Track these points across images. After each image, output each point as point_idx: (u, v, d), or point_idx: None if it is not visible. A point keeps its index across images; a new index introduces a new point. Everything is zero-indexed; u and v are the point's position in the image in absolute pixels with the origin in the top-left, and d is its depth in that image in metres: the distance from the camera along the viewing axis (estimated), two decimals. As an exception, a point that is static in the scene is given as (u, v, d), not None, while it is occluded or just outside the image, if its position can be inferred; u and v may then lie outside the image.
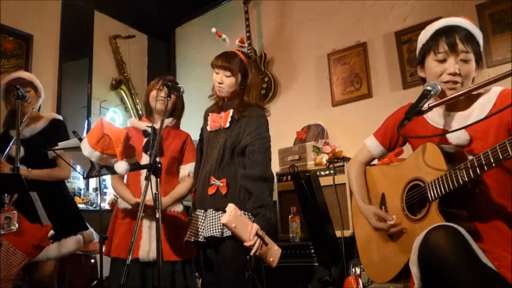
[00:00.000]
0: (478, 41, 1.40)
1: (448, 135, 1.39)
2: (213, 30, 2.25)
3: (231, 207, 1.80)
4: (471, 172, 1.20)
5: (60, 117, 2.62)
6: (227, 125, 2.02)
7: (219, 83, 2.05)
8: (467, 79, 1.38)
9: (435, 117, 1.48)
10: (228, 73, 2.04)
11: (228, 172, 1.98)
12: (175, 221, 2.22)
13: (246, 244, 1.80)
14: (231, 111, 2.03)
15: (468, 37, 1.37)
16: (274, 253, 1.90)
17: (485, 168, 1.17)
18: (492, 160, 1.15)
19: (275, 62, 4.05)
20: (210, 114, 2.12)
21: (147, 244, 2.10)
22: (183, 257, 2.18)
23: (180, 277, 2.16)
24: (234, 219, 1.77)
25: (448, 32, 1.39)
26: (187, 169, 2.29)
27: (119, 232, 2.19)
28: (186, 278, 2.18)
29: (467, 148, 1.36)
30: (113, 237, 2.20)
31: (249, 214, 1.89)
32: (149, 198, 2.12)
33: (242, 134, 1.98)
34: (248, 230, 1.80)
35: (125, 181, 2.33)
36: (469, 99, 1.42)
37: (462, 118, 1.40)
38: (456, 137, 1.37)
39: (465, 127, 1.31)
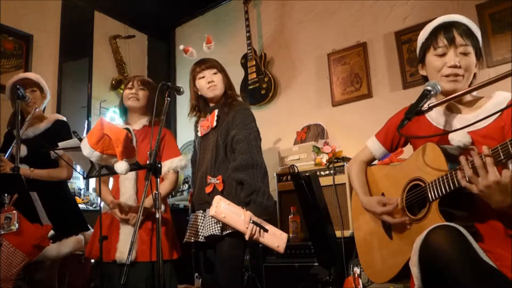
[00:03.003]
0: (476, 36, 1.42)
1: (450, 138, 1.38)
2: (181, 47, 2.36)
3: (217, 198, 1.80)
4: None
5: (64, 118, 2.64)
6: (214, 124, 2.05)
7: (211, 82, 2.10)
8: (468, 72, 1.39)
9: (438, 119, 1.48)
10: (214, 70, 2.13)
11: (223, 169, 1.99)
12: (153, 220, 2.15)
13: (243, 233, 1.79)
14: (216, 111, 2.08)
15: (467, 31, 1.40)
16: (278, 238, 1.85)
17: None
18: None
19: (275, 62, 4.05)
20: (199, 122, 2.17)
21: (124, 245, 2.04)
22: (164, 258, 2.10)
23: (158, 277, 2.13)
24: (222, 210, 1.76)
25: (446, 27, 1.42)
26: (166, 165, 2.22)
27: (98, 235, 2.15)
28: (164, 279, 2.11)
29: (469, 152, 1.35)
30: (93, 239, 2.17)
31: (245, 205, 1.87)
32: (128, 197, 2.13)
33: (231, 128, 2.00)
34: (241, 219, 1.79)
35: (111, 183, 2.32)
36: (475, 102, 1.42)
37: (467, 121, 1.38)
38: (458, 140, 1.36)
39: (466, 127, 1.30)
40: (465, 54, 1.38)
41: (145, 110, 2.33)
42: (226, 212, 1.77)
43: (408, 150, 1.79)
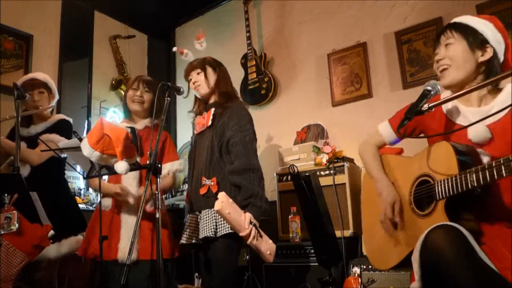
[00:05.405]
0: (471, 27, 1.44)
1: (468, 132, 1.38)
2: (174, 49, 2.43)
3: (222, 194, 1.78)
4: (481, 178, 1.18)
5: (69, 119, 2.63)
6: (210, 123, 2.05)
7: (195, 83, 2.15)
8: (455, 61, 1.42)
9: (453, 112, 1.48)
10: (198, 70, 2.16)
11: (218, 171, 1.98)
12: (154, 219, 2.19)
13: (242, 233, 1.78)
14: (212, 109, 2.09)
15: (454, 26, 1.46)
16: (270, 246, 1.87)
17: (496, 177, 1.14)
18: (503, 172, 1.12)
19: (275, 62, 4.05)
20: (196, 119, 2.20)
21: (125, 245, 2.03)
22: (163, 256, 2.13)
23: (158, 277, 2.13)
24: (227, 205, 1.75)
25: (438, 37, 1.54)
26: (166, 168, 2.26)
27: (97, 233, 2.12)
28: (169, 277, 2.16)
29: (487, 146, 1.35)
30: (90, 238, 2.14)
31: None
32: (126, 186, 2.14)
33: (226, 129, 2.00)
34: (242, 219, 1.78)
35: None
36: (490, 94, 1.43)
37: (481, 114, 1.38)
38: (475, 134, 1.36)
39: (475, 122, 1.30)
40: (449, 44, 1.45)
41: (149, 112, 2.36)
42: (231, 209, 1.76)
43: (408, 149, 1.80)
